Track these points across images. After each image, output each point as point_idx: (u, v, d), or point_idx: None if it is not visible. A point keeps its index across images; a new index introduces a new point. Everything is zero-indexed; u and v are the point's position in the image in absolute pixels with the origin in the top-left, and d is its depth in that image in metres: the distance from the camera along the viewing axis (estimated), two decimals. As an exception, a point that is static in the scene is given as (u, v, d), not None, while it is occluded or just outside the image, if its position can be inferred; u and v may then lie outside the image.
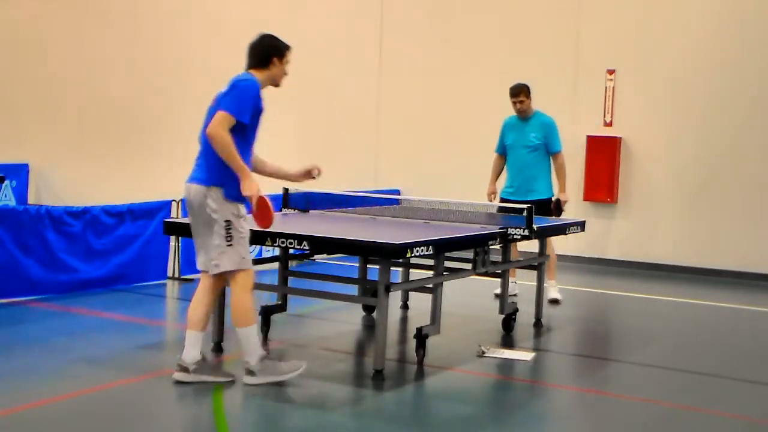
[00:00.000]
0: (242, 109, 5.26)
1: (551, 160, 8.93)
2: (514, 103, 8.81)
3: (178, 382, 5.45)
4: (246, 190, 5.30)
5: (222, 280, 5.59)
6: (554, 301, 8.79)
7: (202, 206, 5.38)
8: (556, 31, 12.06)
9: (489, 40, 12.50)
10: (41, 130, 15.94)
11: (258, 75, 5.47)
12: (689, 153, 11.35)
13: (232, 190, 5.33)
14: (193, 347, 5.48)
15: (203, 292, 5.59)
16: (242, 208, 5.44)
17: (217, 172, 5.33)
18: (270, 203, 5.37)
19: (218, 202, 5.34)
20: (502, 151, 9.05)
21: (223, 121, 5.21)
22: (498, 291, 8.84)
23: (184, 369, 5.46)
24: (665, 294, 9.89)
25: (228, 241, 5.34)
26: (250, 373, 5.46)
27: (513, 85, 8.87)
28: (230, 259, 5.38)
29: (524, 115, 8.86)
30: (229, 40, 14.46)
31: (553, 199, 8.94)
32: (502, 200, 8.87)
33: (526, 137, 8.84)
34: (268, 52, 5.51)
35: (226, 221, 5.34)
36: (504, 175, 9.12)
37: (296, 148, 13.75)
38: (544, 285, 8.00)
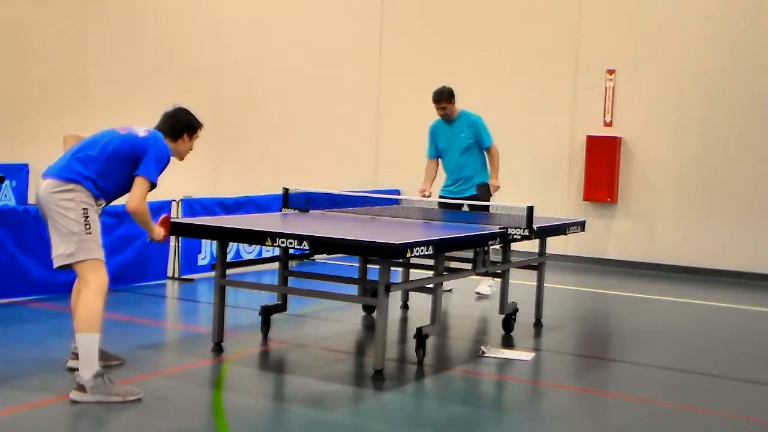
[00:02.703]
0: (157, 173, 5.40)
1: (485, 154, 8.95)
2: (437, 109, 8.79)
3: (71, 369, 5.50)
4: (155, 237, 5.63)
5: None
6: (481, 296, 8.90)
7: (56, 198, 5.22)
8: (556, 31, 12.06)
9: (489, 40, 12.50)
10: (41, 130, 15.93)
11: (168, 143, 5.57)
12: (689, 153, 11.35)
13: (92, 189, 5.30)
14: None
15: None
16: (97, 207, 5.36)
17: (80, 171, 5.30)
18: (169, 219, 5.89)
19: (75, 192, 5.24)
20: (435, 155, 9.08)
21: (144, 193, 5.32)
22: (479, 290, 8.95)
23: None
24: (665, 294, 9.89)
25: (87, 228, 5.21)
26: (81, 388, 5.03)
27: (434, 91, 8.79)
28: (88, 248, 5.21)
29: (449, 119, 8.85)
30: (228, 41, 14.51)
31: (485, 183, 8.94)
32: (442, 197, 8.89)
33: (456, 139, 8.86)
34: (181, 128, 5.67)
35: (84, 209, 5.24)
36: (442, 174, 9.14)
37: (296, 148, 13.78)
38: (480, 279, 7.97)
